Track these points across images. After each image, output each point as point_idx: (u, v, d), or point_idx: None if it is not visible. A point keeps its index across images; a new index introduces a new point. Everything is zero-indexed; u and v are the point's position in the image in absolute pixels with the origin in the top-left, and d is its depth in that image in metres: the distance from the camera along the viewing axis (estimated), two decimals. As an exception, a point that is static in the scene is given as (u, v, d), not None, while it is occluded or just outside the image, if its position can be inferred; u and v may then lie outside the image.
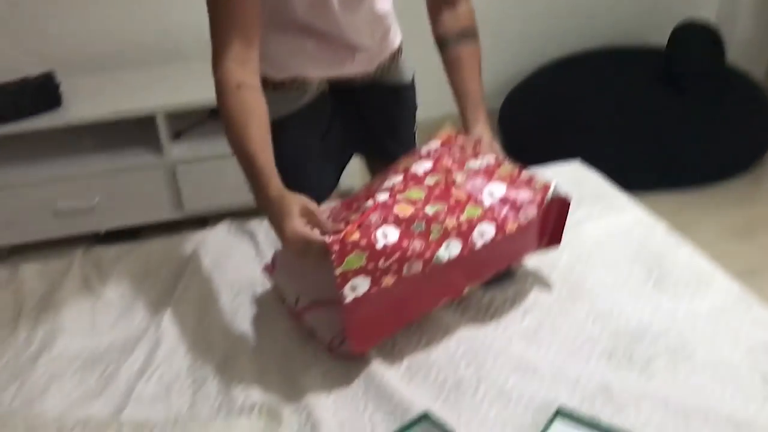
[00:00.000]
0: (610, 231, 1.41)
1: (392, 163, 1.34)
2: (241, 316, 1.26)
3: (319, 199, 1.61)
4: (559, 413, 1.01)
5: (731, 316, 1.18)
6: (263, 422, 0.94)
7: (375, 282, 1.07)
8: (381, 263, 1.08)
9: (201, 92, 2.49)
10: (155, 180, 2.60)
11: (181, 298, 1.31)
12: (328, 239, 1.06)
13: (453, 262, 1.12)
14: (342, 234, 1.07)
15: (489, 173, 1.24)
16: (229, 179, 2.50)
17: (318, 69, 1.53)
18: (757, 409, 1.00)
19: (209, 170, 2.58)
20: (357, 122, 1.69)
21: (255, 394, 1.08)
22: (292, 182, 1.69)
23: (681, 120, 2.76)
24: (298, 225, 1.09)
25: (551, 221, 1.25)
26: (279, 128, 1.54)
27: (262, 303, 1.31)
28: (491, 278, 1.26)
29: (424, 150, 1.30)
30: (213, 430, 0.89)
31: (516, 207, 1.18)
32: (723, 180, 2.85)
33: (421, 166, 1.24)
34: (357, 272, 1.07)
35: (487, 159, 1.28)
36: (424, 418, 0.94)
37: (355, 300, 1.06)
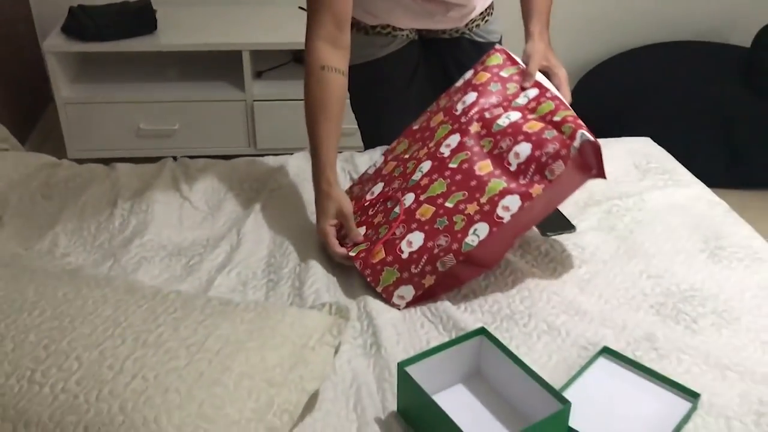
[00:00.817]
0: (672, 202, 1.46)
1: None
2: (316, 234, 1.35)
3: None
4: (604, 351, 1.08)
5: (781, 292, 1.22)
6: (333, 317, 1.03)
7: (417, 286, 1.19)
8: (413, 269, 1.19)
9: (287, 35, 2.58)
10: (233, 114, 2.71)
11: (262, 210, 1.41)
12: (347, 251, 1.25)
13: (487, 240, 1.17)
14: (368, 253, 1.22)
15: (518, 128, 1.22)
16: (302, 123, 2.57)
17: (407, 19, 1.59)
18: (795, 374, 1.05)
19: (285, 112, 2.68)
20: (439, 75, 1.74)
21: (324, 298, 1.18)
22: (373, 123, 1.79)
23: (756, 121, 2.74)
24: (327, 226, 1.27)
25: (590, 159, 1.19)
26: (367, 70, 1.63)
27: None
28: (549, 223, 1.34)
29: (459, 106, 1.33)
30: (289, 314, 0.98)
31: (541, 165, 1.17)
32: (790, 186, 2.82)
33: (448, 144, 1.28)
34: (396, 284, 1.20)
35: (527, 96, 1.28)
36: (481, 331, 1.02)
37: (408, 303, 1.19)
